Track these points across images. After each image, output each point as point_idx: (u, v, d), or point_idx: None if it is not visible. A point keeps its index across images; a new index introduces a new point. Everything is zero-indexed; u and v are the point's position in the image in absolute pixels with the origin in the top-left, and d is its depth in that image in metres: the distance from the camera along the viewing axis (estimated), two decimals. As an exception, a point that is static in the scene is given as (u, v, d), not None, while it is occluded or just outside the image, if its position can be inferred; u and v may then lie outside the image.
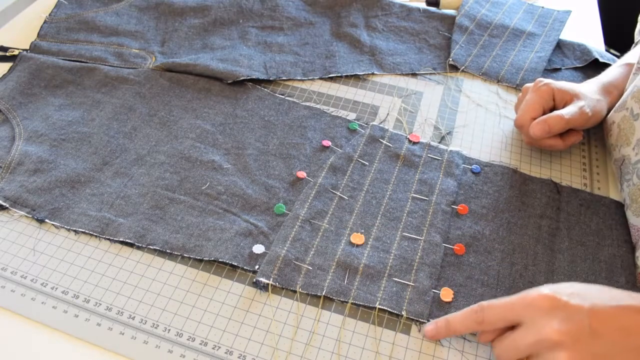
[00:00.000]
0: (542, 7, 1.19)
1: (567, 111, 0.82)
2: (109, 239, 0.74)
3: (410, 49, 1.09)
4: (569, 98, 0.84)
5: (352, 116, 0.93)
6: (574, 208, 0.81)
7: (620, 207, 0.82)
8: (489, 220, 0.79)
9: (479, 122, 0.95)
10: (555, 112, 0.83)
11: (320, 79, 1.01)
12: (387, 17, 1.15)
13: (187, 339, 0.66)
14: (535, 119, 0.84)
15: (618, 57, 1.06)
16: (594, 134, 0.94)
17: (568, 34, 1.14)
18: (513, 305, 0.60)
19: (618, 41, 0.96)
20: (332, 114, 0.93)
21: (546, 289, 0.59)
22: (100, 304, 0.68)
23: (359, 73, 1.02)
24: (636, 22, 0.94)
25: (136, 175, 0.82)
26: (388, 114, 0.95)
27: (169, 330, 0.67)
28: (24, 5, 1.16)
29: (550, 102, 0.85)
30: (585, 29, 1.21)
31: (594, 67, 1.05)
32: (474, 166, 0.86)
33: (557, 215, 0.80)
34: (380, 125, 0.91)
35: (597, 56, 1.06)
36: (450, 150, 0.87)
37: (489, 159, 0.89)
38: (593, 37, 1.18)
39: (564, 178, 0.87)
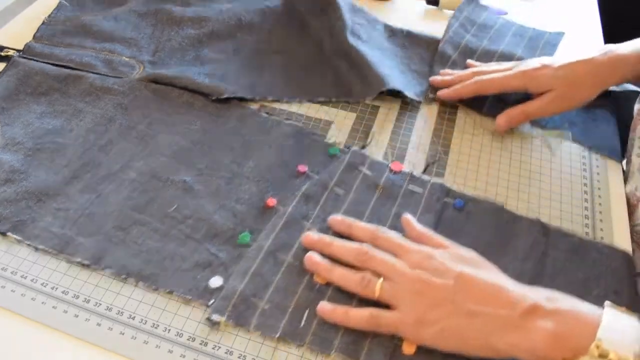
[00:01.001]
0: (533, 29, 1.12)
1: (532, 108, 0.88)
2: (66, 259, 0.71)
3: (394, 68, 1.00)
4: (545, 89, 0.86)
5: (337, 138, 0.89)
6: (561, 253, 0.75)
7: (614, 253, 0.76)
8: None
9: (466, 151, 0.90)
10: (519, 108, 0.89)
11: (309, 101, 0.95)
12: (371, 32, 1.08)
13: (187, 339, 0.64)
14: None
15: None
16: (598, 175, 0.88)
17: (568, 36, 1.10)
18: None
19: (618, 41, 0.92)
20: (314, 136, 0.89)
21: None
22: (100, 304, 0.67)
23: (349, 100, 0.96)
24: (636, 22, 0.89)
25: (104, 192, 0.78)
26: (371, 138, 0.90)
27: (169, 330, 0.65)
28: (25, 5, 1.13)
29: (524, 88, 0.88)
30: (585, 29, 1.17)
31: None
32: (456, 200, 0.80)
33: (541, 261, 0.74)
34: (362, 152, 0.86)
35: None
36: (433, 182, 0.82)
37: (475, 192, 0.83)
38: (593, 37, 1.15)
39: (563, 217, 0.81)
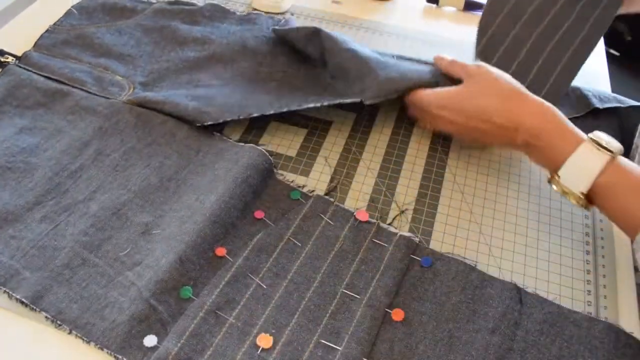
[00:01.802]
0: None
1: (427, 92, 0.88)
2: (7, 293, 0.68)
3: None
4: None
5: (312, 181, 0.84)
6: (535, 325, 0.69)
7: (594, 327, 0.69)
8: (427, 332, 0.68)
9: (455, 204, 0.84)
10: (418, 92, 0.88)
11: (316, 140, 0.90)
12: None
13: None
14: None
15: (618, 57, 1.00)
16: (602, 249, 0.81)
17: None
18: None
19: (618, 41, 0.86)
20: (283, 178, 0.84)
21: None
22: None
23: (346, 100, 0.88)
24: (636, 22, 0.86)
25: (62, 224, 0.75)
26: (338, 183, 0.84)
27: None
28: (25, 5, 1.13)
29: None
30: None
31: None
32: (424, 258, 0.74)
33: (512, 332, 0.68)
34: (326, 197, 0.80)
35: (596, 103, 0.95)
36: (401, 236, 0.76)
37: (453, 250, 0.77)
38: None
39: (563, 293, 0.74)
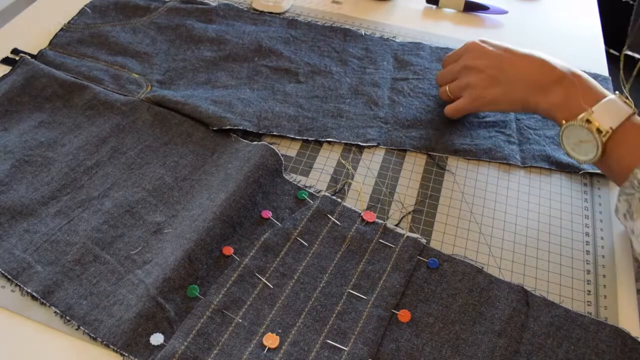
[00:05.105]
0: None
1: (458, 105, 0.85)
2: (19, 286, 0.64)
3: (432, 122, 0.88)
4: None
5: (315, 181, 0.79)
6: (542, 327, 0.64)
7: (601, 330, 0.64)
8: (433, 334, 0.63)
9: (455, 204, 0.78)
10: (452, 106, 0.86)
11: (316, 141, 0.85)
12: (419, 82, 0.96)
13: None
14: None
15: (618, 57, 0.91)
16: (602, 247, 0.75)
17: (568, 35, 1.09)
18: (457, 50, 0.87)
19: (618, 41, 0.82)
20: (292, 179, 0.78)
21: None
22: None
23: (360, 144, 0.84)
24: (636, 22, 0.81)
25: (76, 220, 0.71)
26: (344, 183, 0.79)
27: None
28: (25, 4, 1.07)
29: None
30: (585, 29, 1.13)
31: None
32: (430, 260, 0.69)
33: (519, 335, 0.63)
34: (333, 198, 0.75)
35: None
36: (407, 237, 0.71)
37: (452, 251, 0.72)
38: (593, 37, 1.11)
39: (563, 293, 0.69)
